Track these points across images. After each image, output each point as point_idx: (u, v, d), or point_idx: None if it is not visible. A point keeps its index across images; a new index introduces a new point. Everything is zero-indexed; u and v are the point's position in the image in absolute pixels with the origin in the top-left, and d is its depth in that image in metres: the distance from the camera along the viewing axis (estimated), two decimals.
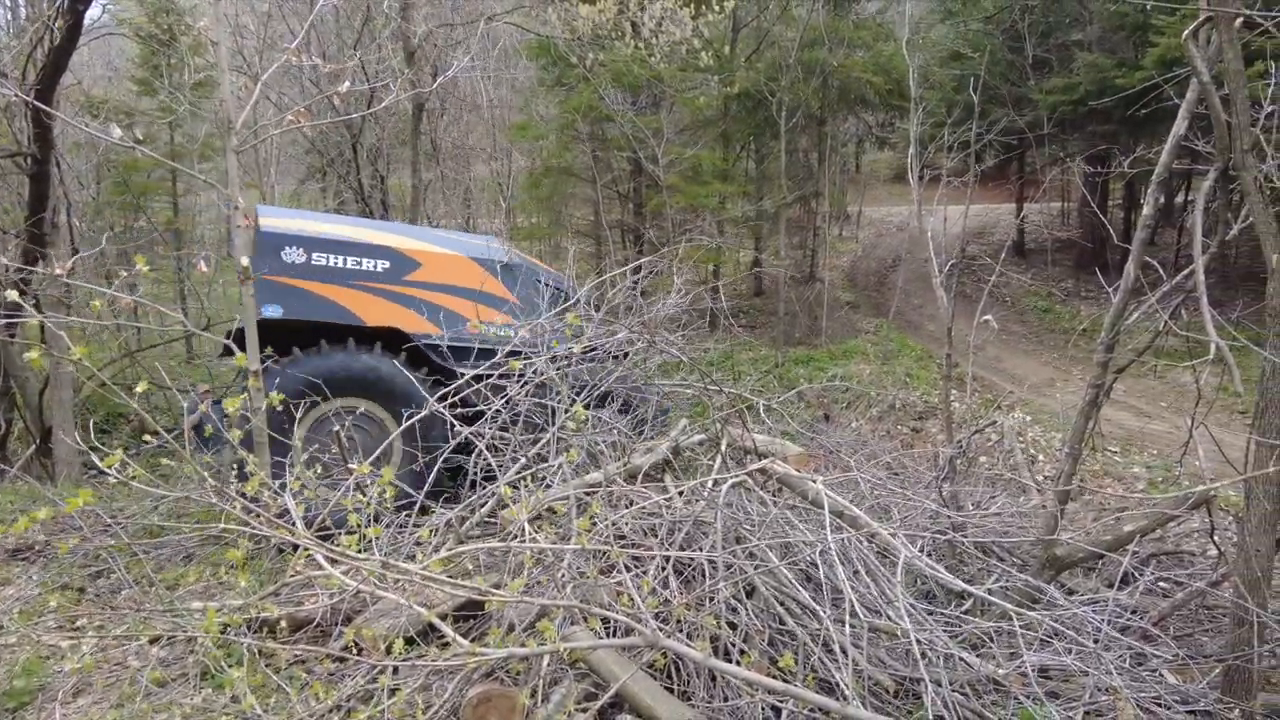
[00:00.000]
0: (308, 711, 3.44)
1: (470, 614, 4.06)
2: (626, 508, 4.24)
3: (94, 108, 13.79)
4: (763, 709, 3.26)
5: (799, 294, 16.77)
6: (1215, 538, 4.54)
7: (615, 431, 5.45)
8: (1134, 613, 4.22)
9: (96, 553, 5.30)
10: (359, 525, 3.25)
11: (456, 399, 5.00)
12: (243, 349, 4.36)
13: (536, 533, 3.83)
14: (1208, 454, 4.39)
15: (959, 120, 13.72)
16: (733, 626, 3.66)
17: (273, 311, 5.95)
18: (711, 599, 3.68)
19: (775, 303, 16.35)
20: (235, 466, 4.52)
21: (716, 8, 11.23)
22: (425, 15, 13.02)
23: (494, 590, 3.08)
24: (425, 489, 4.74)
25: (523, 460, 4.99)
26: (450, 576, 3.15)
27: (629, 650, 3.41)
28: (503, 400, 5.21)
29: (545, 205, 17.80)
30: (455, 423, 4.83)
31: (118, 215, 16.39)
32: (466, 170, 19.27)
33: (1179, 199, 18.03)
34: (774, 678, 3.18)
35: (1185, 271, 3.80)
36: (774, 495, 4.54)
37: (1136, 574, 4.71)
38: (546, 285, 6.95)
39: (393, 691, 3.27)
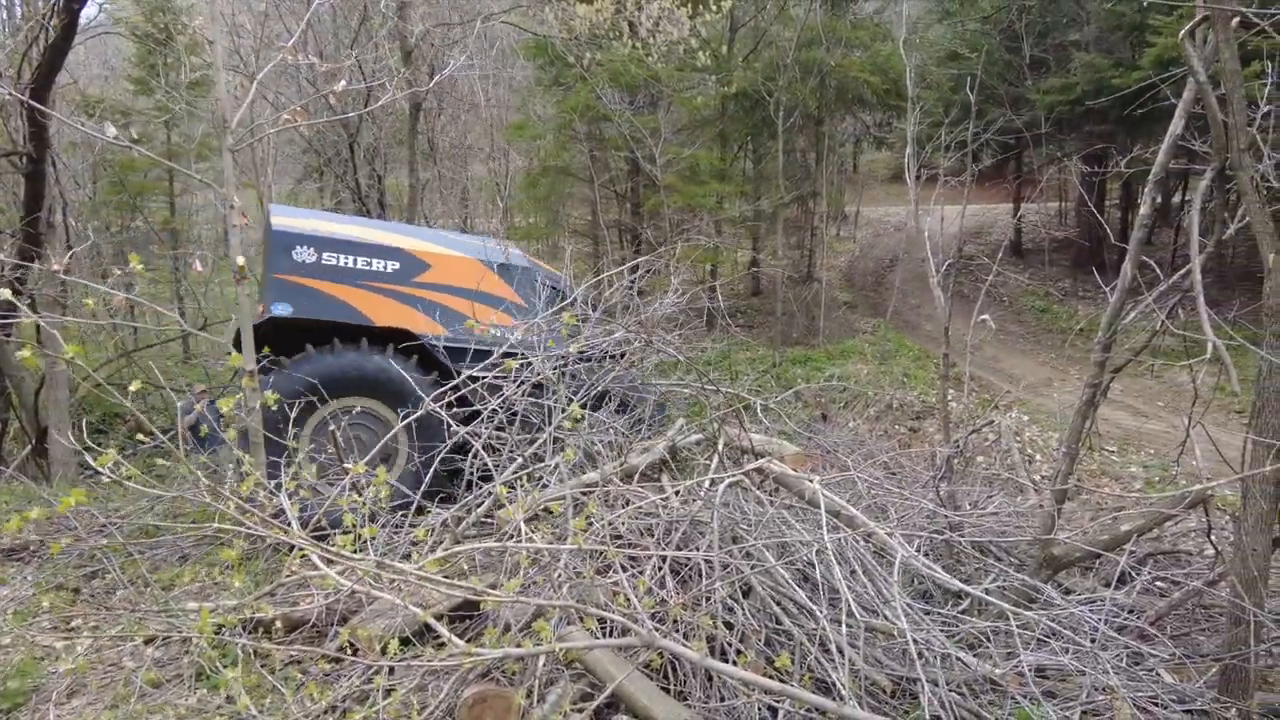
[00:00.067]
0: (303, 712, 3.43)
1: (466, 614, 4.06)
2: (623, 507, 4.23)
3: (90, 107, 13.75)
4: (759, 709, 3.25)
5: (796, 294, 16.77)
6: (1212, 537, 4.55)
7: (612, 431, 5.45)
8: (1131, 612, 4.22)
9: (92, 553, 5.29)
10: (354, 525, 3.25)
11: (461, 400, 5.02)
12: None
13: (533, 533, 3.83)
14: (1204, 453, 4.39)
15: (956, 120, 13.70)
16: (729, 626, 3.66)
17: (283, 310, 5.99)
18: (708, 599, 3.67)
19: (773, 303, 16.35)
20: (234, 466, 4.52)
21: (714, 7, 11.21)
22: (422, 14, 13.00)
23: (490, 590, 3.07)
24: (428, 489, 4.76)
25: (519, 460, 4.98)
26: (446, 576, 3.14)
27: (625, 650, 3.40)
28: (499, 400, 5.21)
29: (543, 205, 17.78)
30: (452, 423, 4.83)
31: (114, 215, 16.37)
32: (464, 170, 19.25)
33: (1176, 199, 18.05)
34: (770, 678, 3.18)
35: (1182, 271, 3.80)
36: (771, 495, 4.54)
37: (1133, 573, 4.71)
38: (554, 289, 6.97)
39: (388, 692, 3.26)
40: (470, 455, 4.84)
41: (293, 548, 3.14)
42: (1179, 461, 5.63)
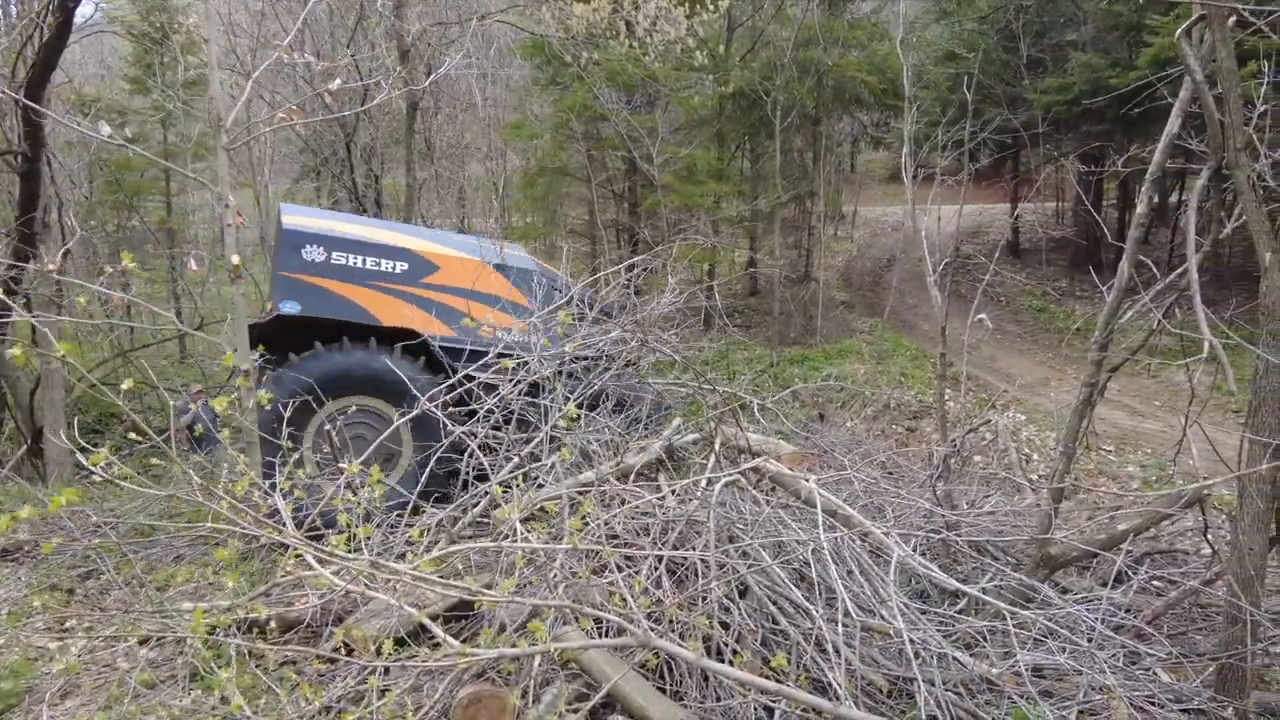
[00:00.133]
0: (297, 713, 3.41)
1: (462, 614, 4.05)
2: (619, 507, 4.22)
3: (86, 106, 13.71)
4: (755, 709, 3.24)
5: (794, 293, 16.77)
6: (1209, 536, 4.54)
7: (608, 431, 5.44)
8: (1128, 611, 4.21)
9: (86, 553, 5.27)
10: (349, 525, 3.23)
11: (464, 401, 5.02)
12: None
13: (529, 532, 3.81)
14: (1201, 452, 4.38)
15: (954, 120, 13.69)
16: (725, 626, 3.65)
17: (291, 308, 6.03)
18: (704, 598, 3.66)
19: (770, 302, 16.34)
20: (230, 465, 4.52)
21: (711, 7, 11.20)
22: (419, 13, 12.97)
23: (485, 590, 3.06)
24: (428, 489, 4.76)
25: (516, 460, 4.97)
26: (442, 576, 3.13)
27: (621, 650, 3.39)
28: (496, 399, 5.21)
29: (540, 205, 17.77)
30: (448, 423, 4.82)
31: (110, 214, 16.32)
32: (461, 169, 19.22)
33: (1173, 198, 18.07)
34: (767, 678, 3.17)
35: (1179, 270, 3.79)
36: (767, 494, 4.53)
37: (1130, 573, 4.70)
38: (561, 293, 6.98)
39: (383, 692, 3.25)
40: (466, 455, 4.84)
41: (289, 548, 3.13)
42: (1176, 461, 5.62)
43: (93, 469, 2.55)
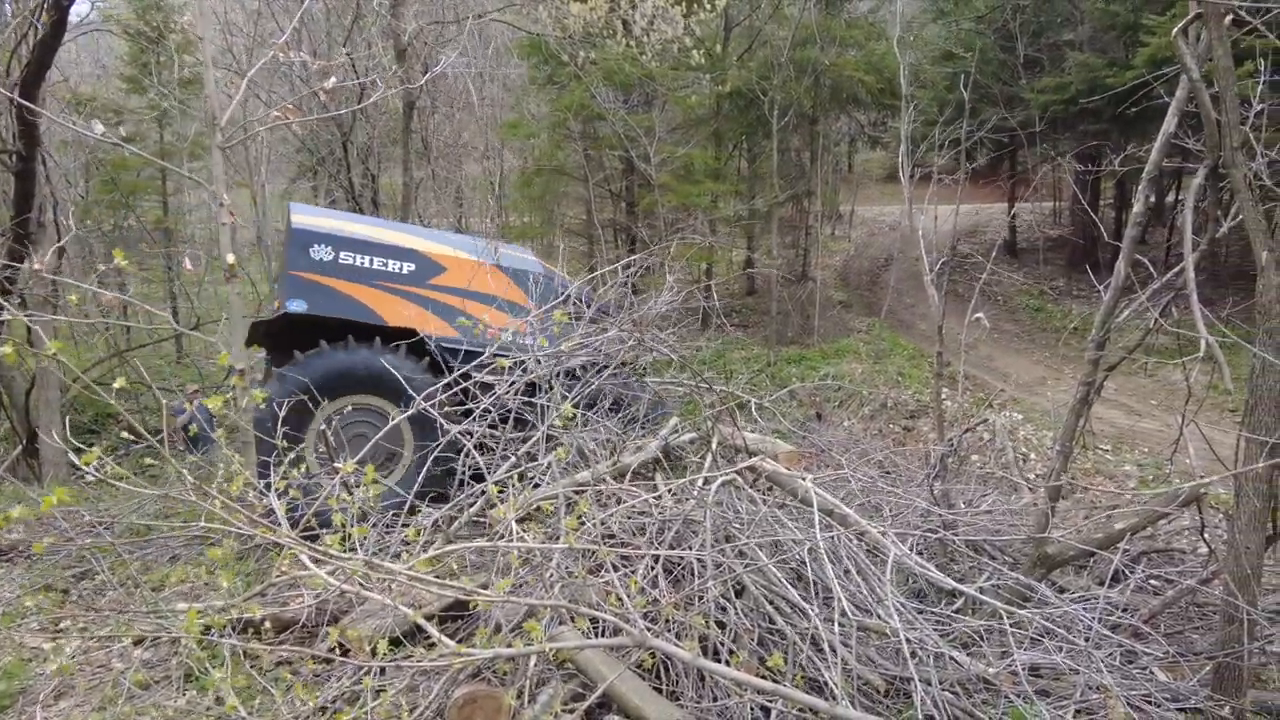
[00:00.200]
0: (292, 713, 3.40)
1: (457, 614, 4.03)
2: (616, 506, 4.21)
3: (81, 105, 13.68)
4: (751, 709, 3.24)
5: (791, 293, 16.76)
6: (1205, 535, 4.54)
7: (605, 430, 5.43)
8: (1125, 610, 4.22)
9: (81, 553, 5.25)
10: (344, 524, 3.22)
11: (464, 401, 5.02)
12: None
13: (525, 532, 3.80)
14: (1198, 451, 4.39)
15: (950, 119, 13.71)
16: (722, 626, 3.64)
17: (298, 306, 6.05)
18: (700, 598, 3.65)
19: (767, 302, 16.33)
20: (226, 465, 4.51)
21: (708, 6, 11.20)
22: (416, 12, 12.95)
23: (481, 590, 3.05)
24: (427, 489, 4.76)
25: (512, 459, 4.96)
26: (437, 576, 3.12)
27: (617, 650, 3.38)
28: (492, 398, 5.20)
29: (537, 204, 17.76)
30: (444, 422, 4.81)
31: (106, 214, 16.28)
32: (458, 169, 19.20)
33: (1170, 197, 18.09)
34: (763, 677, 3.16)
35: (1175, 269, 3.80)
36: (764, 494, 4.52)
37: (1127, 572, 4.70)
38: (561, 293, 6.97)
39: (378, 693, 3.24)
40: (462, 454, 4.83)
41: (284, 547, 3.12)
42: (1172, 459, 5.63)
43: (84, 468, 2.54)
